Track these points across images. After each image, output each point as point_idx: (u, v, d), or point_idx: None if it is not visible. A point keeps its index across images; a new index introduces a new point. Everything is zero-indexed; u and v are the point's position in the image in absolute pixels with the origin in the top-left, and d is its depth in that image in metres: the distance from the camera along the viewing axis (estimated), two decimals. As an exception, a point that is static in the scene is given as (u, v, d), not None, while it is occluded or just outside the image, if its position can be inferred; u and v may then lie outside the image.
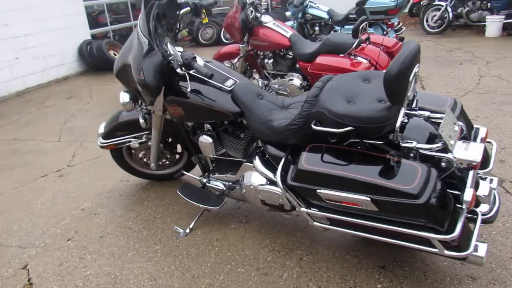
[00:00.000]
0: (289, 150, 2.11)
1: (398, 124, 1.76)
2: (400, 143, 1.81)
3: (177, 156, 3.11)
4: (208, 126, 2.47)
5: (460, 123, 1.90)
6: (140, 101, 2.60)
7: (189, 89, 2.24)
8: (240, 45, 4.77)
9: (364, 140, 1.90)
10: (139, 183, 3.31)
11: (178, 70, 2.29)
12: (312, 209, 2.00)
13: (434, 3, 8.37)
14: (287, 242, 2.43)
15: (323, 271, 2.17)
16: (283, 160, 2.08)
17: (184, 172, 2.77)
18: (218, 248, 2.45)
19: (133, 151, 3.09)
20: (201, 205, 2.55)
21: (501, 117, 3.96)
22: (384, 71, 2.10)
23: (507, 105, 4.25)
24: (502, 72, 5.45)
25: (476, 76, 5.45)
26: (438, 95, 2.22)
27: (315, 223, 2.05)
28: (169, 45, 2.27)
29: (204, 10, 4.03)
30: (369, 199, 1.72)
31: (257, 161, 2.29)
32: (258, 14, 4.44)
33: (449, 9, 8.07)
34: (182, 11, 2.63)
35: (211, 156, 2.55)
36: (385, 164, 1.77)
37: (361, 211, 1.81)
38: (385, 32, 6.17)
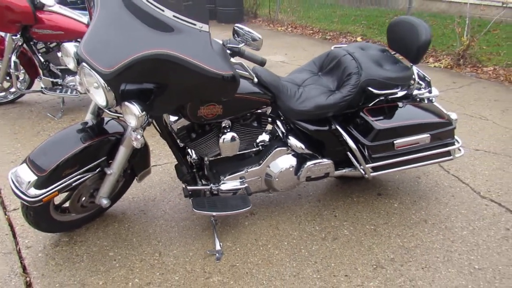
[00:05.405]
0: (333, 121, 2.31)
1: (417, 78, 2.40)
2: (413, 93, 2.46)
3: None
4: (229, 122, 2.15)
5: None
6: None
7: (255, 80, 1.92)
8: (13, 37, 3.63)
9: (390, 96, 2.40)
10: (58, 239, 2.27)
11: (233, 59, 1.88)
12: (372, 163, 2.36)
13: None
14: (308, 211, 2.59)
15: (359, 215, 2.56)
16: (342, 130, 2.27)
17: (192, 188, 2.23)
18: (270, 245, 2.30)
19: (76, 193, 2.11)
20: (237, 211, 2.24)
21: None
22: (370, 43, 2.64)
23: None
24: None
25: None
26: None
27: (372, 173, 2.41)
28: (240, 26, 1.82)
29: None
30: (429, 135, 2.32)
31: (295, 142, 2.31)
32: None
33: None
34: None
35: (230, 154, 2.23)
36: (422, 108, 2.39)
37: (416, 147, 2.36)
38: None
